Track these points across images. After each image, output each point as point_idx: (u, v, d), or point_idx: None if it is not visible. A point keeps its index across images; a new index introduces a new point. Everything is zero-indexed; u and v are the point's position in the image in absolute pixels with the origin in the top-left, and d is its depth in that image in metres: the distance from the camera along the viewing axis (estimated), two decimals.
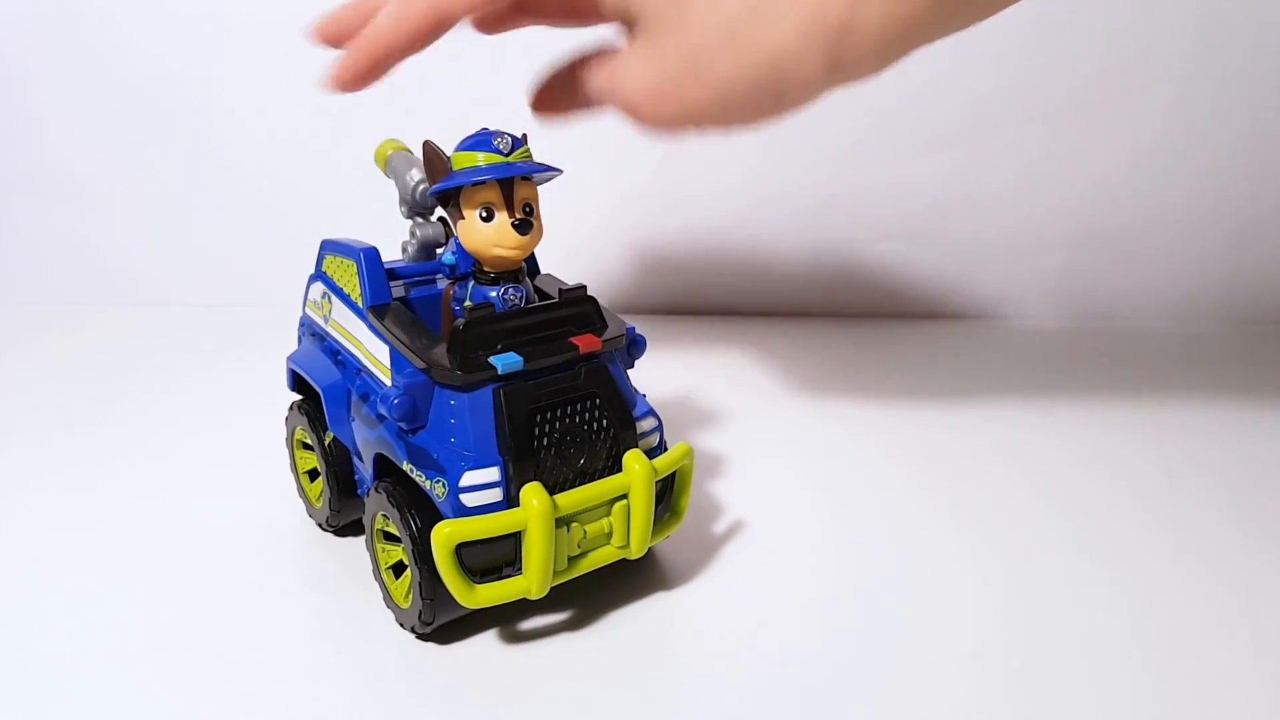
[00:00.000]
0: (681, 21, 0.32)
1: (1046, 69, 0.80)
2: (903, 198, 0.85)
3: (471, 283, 0.40)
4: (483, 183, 0.37)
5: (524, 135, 0.39)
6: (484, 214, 0.37)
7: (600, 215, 0.88)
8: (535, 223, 0.38)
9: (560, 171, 0.39)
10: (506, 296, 0.40)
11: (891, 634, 0.40)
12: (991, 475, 0.54)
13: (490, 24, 0.39)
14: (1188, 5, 0.78)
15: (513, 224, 0.37)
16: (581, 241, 0.87)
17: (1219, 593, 0.43)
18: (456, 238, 0.40)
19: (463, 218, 0.38)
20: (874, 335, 0.83)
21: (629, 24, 0.35)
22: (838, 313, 0.89)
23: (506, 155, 0.37)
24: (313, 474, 0.49)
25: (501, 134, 0.38)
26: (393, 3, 0.36)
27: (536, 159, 0.39)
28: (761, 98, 0.32)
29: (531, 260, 0.47)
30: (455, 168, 0.38)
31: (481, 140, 0.38)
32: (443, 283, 0.45)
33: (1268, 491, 0.53)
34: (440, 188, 0.38)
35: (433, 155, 0.38)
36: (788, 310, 0.90)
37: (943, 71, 0.80)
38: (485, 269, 0.40)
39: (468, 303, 0.40)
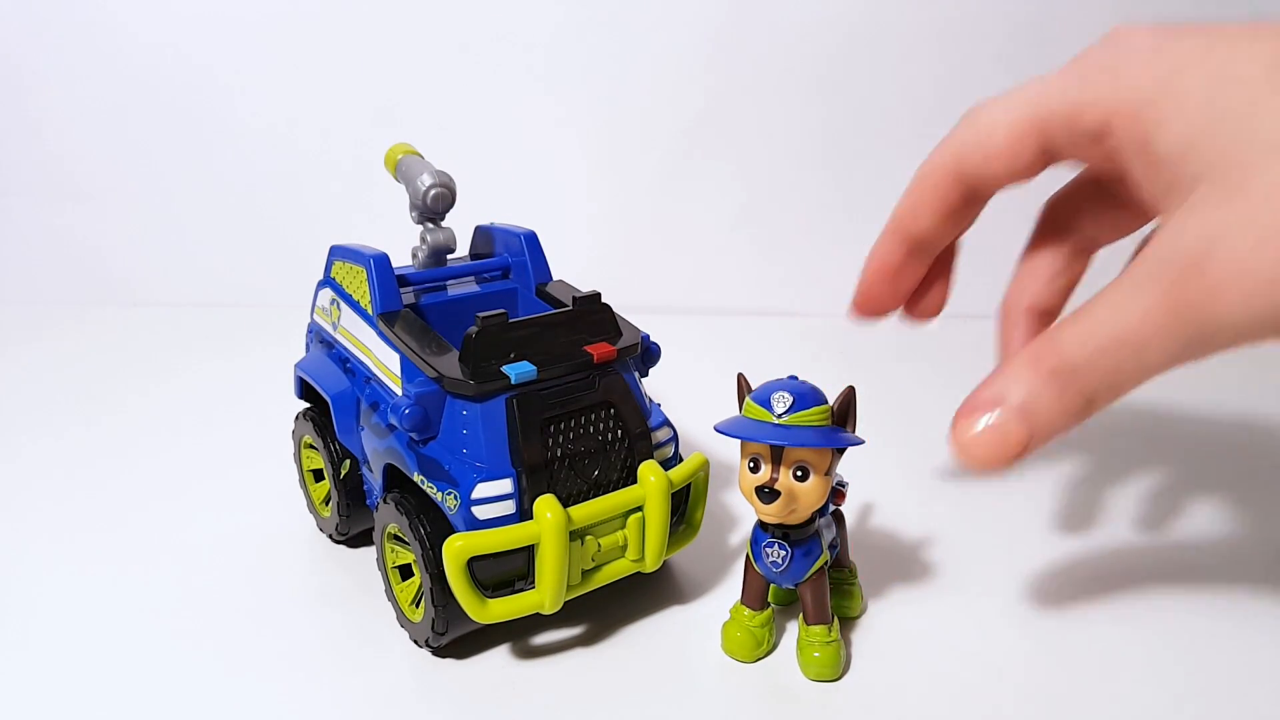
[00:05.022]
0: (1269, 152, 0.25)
1: (1045, 68, 0.79)
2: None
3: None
4: None
5: (848, 392, 0.35)
6: (751, 465, 0.35)
7: (606, 218, 0.88)
8: (796, 489, 0.34)
9: (845, 446, 0.35)
10: (767, 549, 0.37)
11: (908, 649, 0.39)
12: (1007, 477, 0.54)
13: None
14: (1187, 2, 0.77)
15: (758, 488, 0.35)
16: (590, 244, 0.87)
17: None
18: None
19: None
20: (878, 335, 0.82)
21: (1176, 192, 0.28)
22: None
23: (779, 417, 0.34)
24: (317, 474, 0.48)
25: (785, 394, 0.34)
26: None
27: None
28: None
29: (543, 267, 0.46)
30: (742, 412, 0.35)
31: (763, 396, 0.35)
32: None
33: (1270, 494, 0.53)
34: (721, 430, 0.35)
35: (740, 388, 0.37)
36: (788, 310, 0.89)
37: (942, 70, 0.80)
38: None
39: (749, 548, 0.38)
